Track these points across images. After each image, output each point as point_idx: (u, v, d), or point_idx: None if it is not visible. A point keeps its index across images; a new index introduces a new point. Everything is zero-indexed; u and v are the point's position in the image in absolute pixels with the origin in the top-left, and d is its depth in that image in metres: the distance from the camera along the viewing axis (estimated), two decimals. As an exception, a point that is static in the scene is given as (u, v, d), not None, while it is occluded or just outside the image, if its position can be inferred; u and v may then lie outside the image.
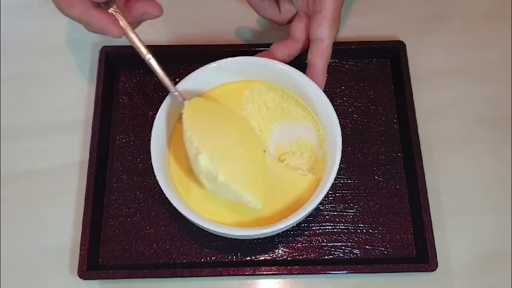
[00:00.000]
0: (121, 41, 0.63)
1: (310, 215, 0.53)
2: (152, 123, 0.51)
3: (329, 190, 0.49)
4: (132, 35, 0.49)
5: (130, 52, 0.61)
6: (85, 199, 0.54)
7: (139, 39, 0.50)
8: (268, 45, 0.57)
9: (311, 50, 0.54)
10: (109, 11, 0.48)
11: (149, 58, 0.50)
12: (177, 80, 0.53)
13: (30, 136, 0.60)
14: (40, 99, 0.62)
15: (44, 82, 0.63)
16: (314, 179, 0.51)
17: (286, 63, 0.54)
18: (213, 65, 0.53)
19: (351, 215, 0.56)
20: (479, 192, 0.58)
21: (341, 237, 0.55)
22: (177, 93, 0.51)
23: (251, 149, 0.52)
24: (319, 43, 0.53)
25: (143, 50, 0.50)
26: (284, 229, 0.49)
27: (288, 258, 0.54)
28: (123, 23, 0.49)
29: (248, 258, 0.54)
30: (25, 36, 0.65)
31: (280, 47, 0.56)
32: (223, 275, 0.52)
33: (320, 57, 0.53)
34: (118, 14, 0.49)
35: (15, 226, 0.56)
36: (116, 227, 0.55)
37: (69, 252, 0.55)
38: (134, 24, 0.50)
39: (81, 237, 0.53)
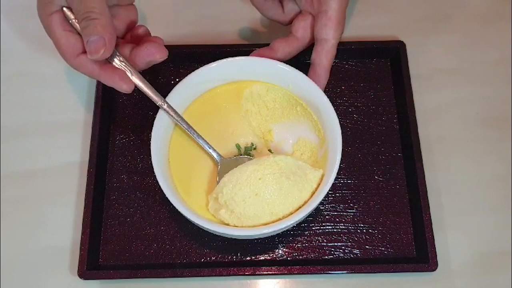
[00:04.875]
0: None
1: (310, 215, 0.53)
2: (152, 123, 0.51)
3: (329, 190, 0.49)
4: (142, 85, 0.50)
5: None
6: (85, 199, 0.54)
7: (150, 87, 0.50)
8: (268, 45, 0.57)
9: (316, 49, 0.54)
10: (117, 62, 0.49)
11: (161, 105, 0.50)
12: (177, 80, 0.53)
13: (30, 136, 0.60)
14: (40, 99, 0.62)
15: (44, 82, 0.63)
16: (314, 179, 0.51)
17: (286, 61, 0.54)
18: (213, 65, 0.53)
19: (351, 215, 0.56)
20: (479, 192, 0.57)
21: (341, 237, 0.55)
22: (210, 149, 0.52)
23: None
24: (324, 43, 0.53)
25: (156, 98, 0.50)
26: (284, 229, 0.49)
27: (288, 258, 0.54)
28: (132, 72, 0.49)
29: (248, 258, 0.54)
30: (25, 36, 0.65)
31: (281, 44, 0.55)
32: (223, 275, 0.52)
33: (325, 57, 0.53)
34: (125, 65, 0.49)
35: (15, 226, 0.56)
36: (116, 227, 0.55)
37: (69, 252, 0.55)
38: (142, 69, 0.50)
39: (81, 237, 0.53)
